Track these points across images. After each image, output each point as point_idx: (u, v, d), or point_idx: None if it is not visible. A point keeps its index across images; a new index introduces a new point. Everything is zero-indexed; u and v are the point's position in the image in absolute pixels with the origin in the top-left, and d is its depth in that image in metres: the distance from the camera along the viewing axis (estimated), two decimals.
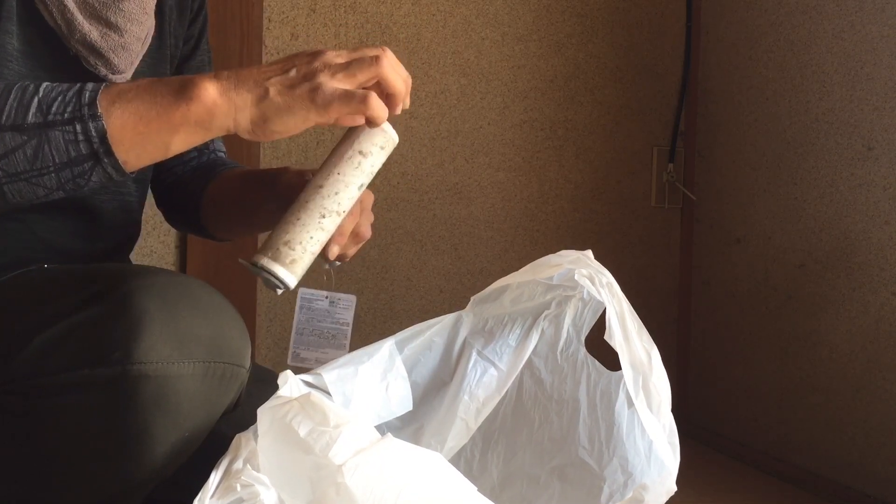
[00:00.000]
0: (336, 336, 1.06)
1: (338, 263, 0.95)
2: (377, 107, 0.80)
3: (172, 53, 1.09)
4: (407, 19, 1.90)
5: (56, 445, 0.78)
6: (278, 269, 0.81)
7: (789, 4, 1.90)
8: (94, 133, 0.75)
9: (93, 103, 0.75)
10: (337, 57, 0.80)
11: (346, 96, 0.78)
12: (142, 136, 0.76)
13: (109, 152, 0.75)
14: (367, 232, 0.95)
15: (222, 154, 1.19)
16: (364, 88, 0.80)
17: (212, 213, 1.14)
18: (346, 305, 1.07)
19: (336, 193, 0.83)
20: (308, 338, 1.07)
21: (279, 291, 0.83)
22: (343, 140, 0.86)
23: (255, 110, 0.78)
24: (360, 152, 0.84)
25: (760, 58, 1.98)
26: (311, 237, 0.83)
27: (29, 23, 0.89)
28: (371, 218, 0.96)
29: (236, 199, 1.09)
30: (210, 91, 0.77)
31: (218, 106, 0.77)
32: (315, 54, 0.80)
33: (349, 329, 1.06)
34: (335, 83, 0.78)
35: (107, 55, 0.92)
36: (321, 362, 1.04)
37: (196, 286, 0.82)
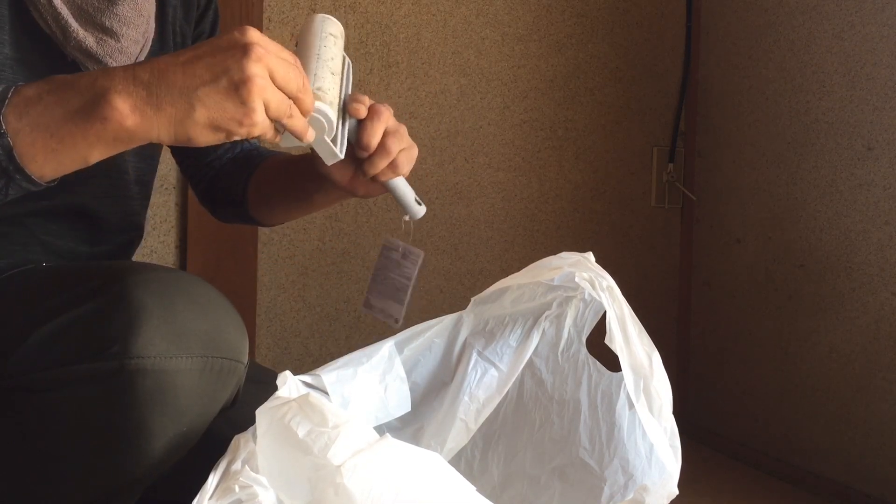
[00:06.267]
0: (399, 290, 1.05)
1: (419, 216, 1.00)
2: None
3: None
4: (407, 19, 1.90)
5: (54, 440, 0.78)
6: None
7: (789, 4, 1.90)
8: (0, 151, 0.70)
9: None
10: (267, 53, 0.73)
11: (272, 129, 0.76)
12: (55, 152, 0.72)
13: (20, 169, 0.72)
14: (393, 149, 0.92)
15: (256, 141, 1.19)
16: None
17: (261, 205, 1.15)
18: (413, 260, 1.07)
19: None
20: (380, 286, 1.07)
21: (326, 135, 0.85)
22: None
23: (178, 128, 0.72)
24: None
25: (760, 58, 1.98)
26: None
27: (23, 30, 0.88)
28: (402, 142, 0.94)
29: (284, 189, 1.10)
30: (122, 110, 0.70)
31: (134, 125, 0.71)
32: (247, 50, 0.72)
33: (410, 285, 1.06)
34: (272, 106, 0.74)
35: (104, 61, 0.92)
36: (384, 314, 1.05)
37: (193, 282, 0.81)
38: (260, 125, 0.74)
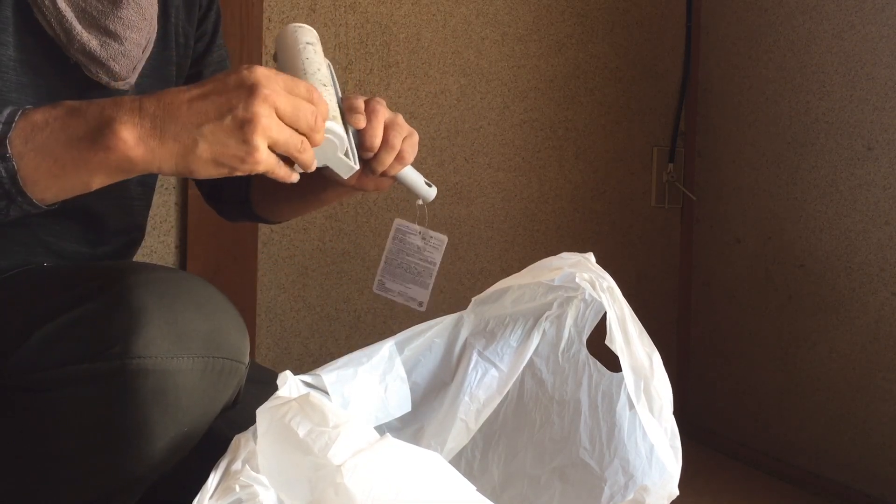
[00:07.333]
0: (421, 274, 1.06)
1: (431, 198, 1.00)
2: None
3: (181, 53, 1.09)
4: (407, 19, 1.90)
5: (55, 440, 0.78)
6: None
7: (789, 4, 1.90)
8: (3, 174, 0.72)
9: (2, 142, 0.71)
10: (273, 93, 0.74)
11: (280, 167, 0.77)
12: (57, 178, 0.73)
13: (22, 192, 0.73)
14: (396, 142, 0.92)
15: None
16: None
17: (266, 203, 1.15)
18: (436, 245, 1.08)
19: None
20: (395, 269, 1.08)
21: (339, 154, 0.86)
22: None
23: (180, 161, 0.73)
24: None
25: (760, 58, 1.98)
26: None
27: (27, 32, 0.88)
28: (402, 131, 0.94)
29: (289, 188, 1.10)
30: (127, 141, 0.72)
31: (137, 156, 0.72)
32: (253, 91, 0.73)
33: (435, 269, 1.07)
34: (279, 144, 0.75)
35: (107, 63, 0.92)
36: (404, 296, 1.06)
37: (194, 282, 0.82)
38: (263, 163, 0.75)
